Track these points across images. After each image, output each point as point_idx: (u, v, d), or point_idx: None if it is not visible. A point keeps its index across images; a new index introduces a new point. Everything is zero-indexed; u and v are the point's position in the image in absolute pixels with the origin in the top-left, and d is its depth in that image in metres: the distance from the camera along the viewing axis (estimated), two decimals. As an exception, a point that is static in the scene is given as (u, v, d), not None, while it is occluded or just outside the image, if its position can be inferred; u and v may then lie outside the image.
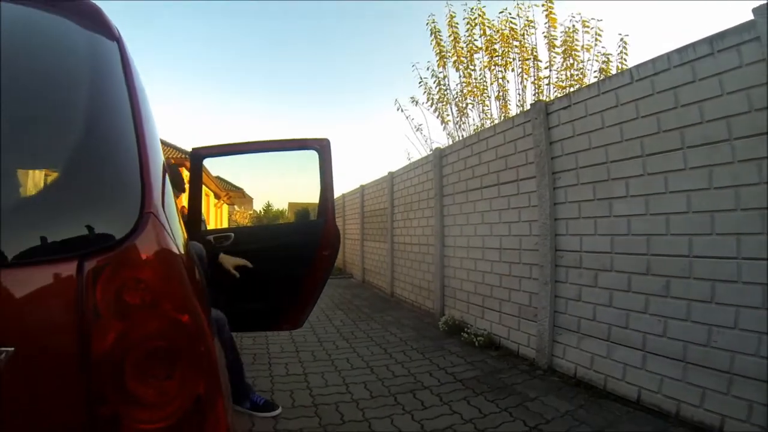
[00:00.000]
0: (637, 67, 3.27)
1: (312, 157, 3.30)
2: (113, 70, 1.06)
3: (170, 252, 0.90)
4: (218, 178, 27.14)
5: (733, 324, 2.64)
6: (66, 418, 0.79)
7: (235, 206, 32.79)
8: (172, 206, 1.11)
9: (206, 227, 3.49)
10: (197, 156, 3.36)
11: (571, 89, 4.10)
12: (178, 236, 1.02)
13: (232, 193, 30.69)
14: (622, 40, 7.29)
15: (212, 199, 27.28)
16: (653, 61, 3.14)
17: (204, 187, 22.73)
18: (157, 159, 1.07)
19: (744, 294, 2.58)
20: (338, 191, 13.88)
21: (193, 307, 0.91)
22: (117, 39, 1.11)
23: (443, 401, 3.43)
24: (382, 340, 5.31)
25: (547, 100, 4.78)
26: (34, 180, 0.91)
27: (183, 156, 16.07)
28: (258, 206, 42.76)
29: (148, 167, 0.94)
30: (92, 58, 1.05)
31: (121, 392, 0.80)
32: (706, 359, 2.77)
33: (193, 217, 3.39)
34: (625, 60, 7.13)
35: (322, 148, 3.27)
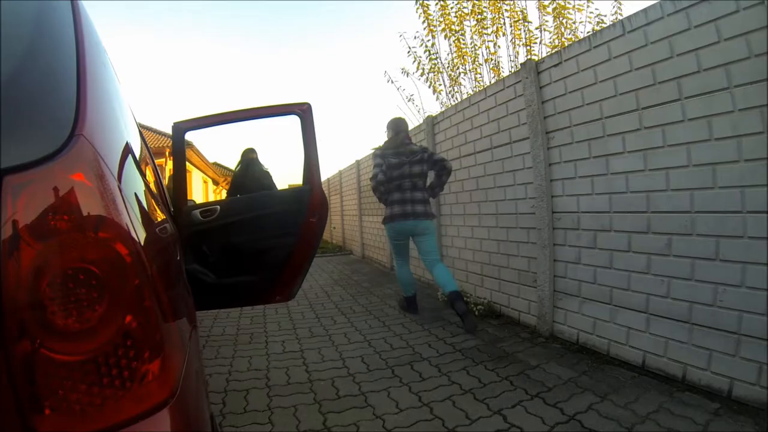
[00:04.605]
0: (629, 18, 3.10)
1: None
2: (62, 16, 1.06)
3: (100, 177, 0.83)
4: (215, 164, 27.11)
5: (739, 282, 2.51)
6: None
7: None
8: (129, 161, 1.16)
9: (193, 203, 3.42)
10: (179, 129, 3.28)
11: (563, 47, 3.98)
12: (129, 182, 1.04)
13: (231, 178, 30.65)
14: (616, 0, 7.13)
15: (211, 185, 27.31)
16: (645, 11, 2.97)
17: (201, 173, 22.81)
18: (103, 97, 1.10)
19: (750, 249, 2.46)
20: (335, 168, 13.79)
21: (127, 237, 0.84)
22: None
23: (442, 372, 3.35)
24: (381, 314, 5.23)
25: (537, 58, 4.62)
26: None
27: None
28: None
29: (85, 99, 0.91)
30: (40, 11, 1.02)
31: (40, 320, 0.71)
32: (712, 320, 2.67)
33: (177, 192, 3.32)
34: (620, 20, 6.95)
35: (303, 112, 3.17)
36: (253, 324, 5.07)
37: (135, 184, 1.17)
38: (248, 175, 6.71)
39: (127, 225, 0.85)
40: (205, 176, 24.98)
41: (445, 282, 4.58)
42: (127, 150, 1.21)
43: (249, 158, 6.89)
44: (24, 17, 0.97)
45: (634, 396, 2.75)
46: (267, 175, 6.91)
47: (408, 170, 4.84)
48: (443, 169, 4.84)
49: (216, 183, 27.97)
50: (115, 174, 0.92)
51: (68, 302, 0.73)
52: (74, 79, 0.94)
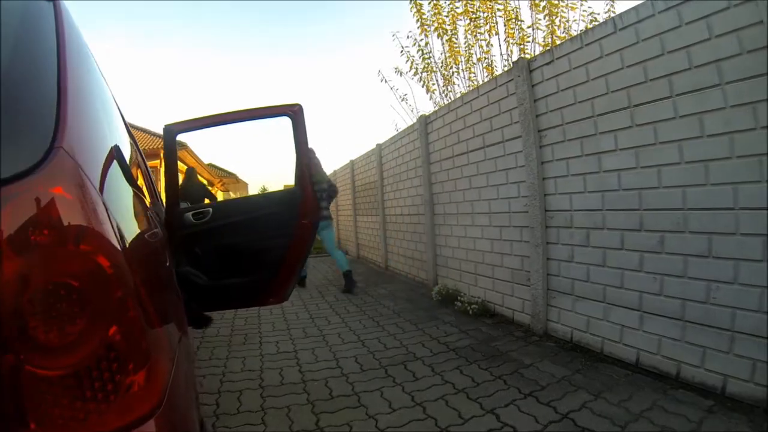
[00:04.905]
0: (620, 15, 3.11)
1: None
2: (43, 23, 1.05)
3: (81, 189, 0.82)
4: (210, 165, 27.04)
5: (732, 279, 2.52)
6: None
7: (230, 192, 32.69)
8: (113, 168, 1.13)
9: (187, 205, 3.41)
10: (170, 132, 3.25)
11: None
12: (113, 191, 1.01)
13: (226, 179, 30.52)
14: None
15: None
16: (636, 8, 2.98)
17: (197, 175, 22.92)
18: (86, 107, 1.08)
19: (743, 246, 2.46)
20: (330, 168, 13.77)
21: (108, 249, 0.82)
22: (53, 0, 1.13)
23: (435, 371, 3.34)
24: (375, 313, 5.22)
25: (530, 57, 4.63)
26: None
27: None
28: (253, 191, 42.33)
29: (66, 110, 0.89)
30: (22, 13, 1.01)
31: (22, 335, 0.70)
32: (705, 317, 2.67)
33: (169, 195, 3.30)
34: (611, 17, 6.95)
35: (294, 114, 3.15)
36: (247, 325, 5.05)
37: (120, 192, 1.15)
38: (189, 184, 9.88)
39: (109, 236, 0.84)
40: (201, 177, 24.94)
41: (341, 264, 6.91)
42: (112, 156, 1.20)
43: (189, 172, 10.37)
44: (3, 26, 0.95)
45: (628, 394, 2.75)
46: (202, 184, 10.75)
47: (317, 187, 6.57)
48: (334, 192, 7.17)
49: (211, 184, 27.91)
50: (97, 185, 0.90)
51: (49, 317, 0.72)
52: (55, 90, 0.92)
